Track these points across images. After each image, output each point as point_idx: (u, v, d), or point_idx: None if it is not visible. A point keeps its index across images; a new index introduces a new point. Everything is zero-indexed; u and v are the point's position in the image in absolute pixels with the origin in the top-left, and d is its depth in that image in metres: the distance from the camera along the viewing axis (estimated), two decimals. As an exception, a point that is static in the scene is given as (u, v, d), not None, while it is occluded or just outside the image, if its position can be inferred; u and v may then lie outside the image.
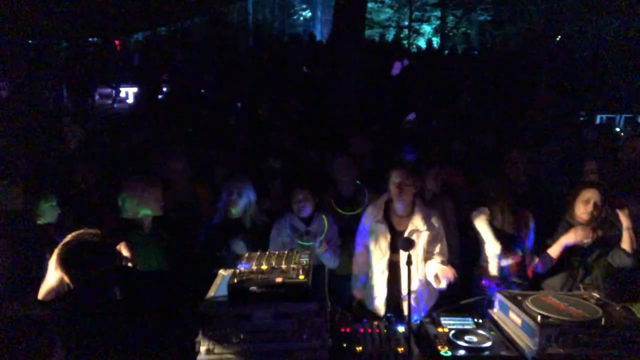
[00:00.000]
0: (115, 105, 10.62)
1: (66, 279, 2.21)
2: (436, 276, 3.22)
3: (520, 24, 16.70)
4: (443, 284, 3.19)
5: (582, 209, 3.51)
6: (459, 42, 15.49)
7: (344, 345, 2.39)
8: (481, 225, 3.67)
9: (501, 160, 4.54)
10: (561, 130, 6.66)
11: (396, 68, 10.29)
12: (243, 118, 7.36)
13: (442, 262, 3.33)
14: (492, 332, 2.52)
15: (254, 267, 2.41)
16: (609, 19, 12.80)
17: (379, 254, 3.43)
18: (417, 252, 3.35)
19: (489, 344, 2.40)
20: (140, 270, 3.11)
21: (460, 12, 19.23)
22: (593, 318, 2.35)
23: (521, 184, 4.20)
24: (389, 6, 20.03)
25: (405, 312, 3.30)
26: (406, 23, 19.48)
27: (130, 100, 10.74)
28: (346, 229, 3.87)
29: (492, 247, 3.61)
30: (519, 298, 2.59)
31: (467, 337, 2.45)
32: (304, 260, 2.51)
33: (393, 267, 3.38)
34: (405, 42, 17.07)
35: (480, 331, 2.52)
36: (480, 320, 2.66)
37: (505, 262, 3.63)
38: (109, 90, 10.98)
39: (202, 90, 9.56)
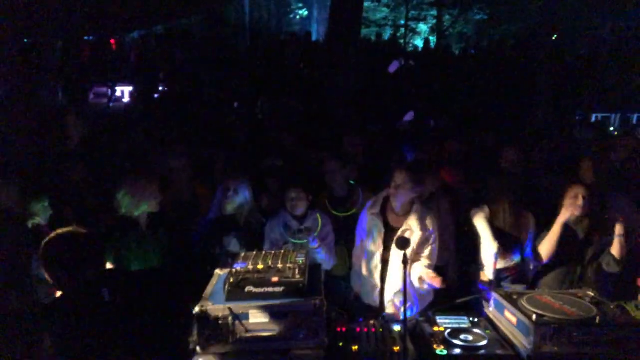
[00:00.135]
0: (111, 104, 10.58)
1: (49, 281, 2.19)
2: (420, 278, 3.26)
3: (516, 23, 16.73)
4: (425, 287, 3.24)
5: (572, 205, 3.53)
6: (455, 42, 15.52)
7: (340, 344, 2.40)
8: (480, 223, 3.68)
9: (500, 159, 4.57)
10: (556, 129, 6.69)
11: (393, 66, 10.30)
12: (240, 117, 7.35)
13: (429, 266, 3.35)
14: (487, 331, 2.53)
15: (251, 267, 2.42)
16: (606, 18, 12.84)
17: (372, 247, 3.46)
18: (410, 252, 3.36)
19: (484, 342, 2.41)
20: (132, 270, 3.12)
21: (457, 11, 19.26)
22: (588, 317, 2.36)
23: (517, 180, 4.20)
24: (385, 5, 20.02)
25: (392, 310, 3.36)
26: (402, 22, 19.49)
27: (126, 99, 10.70)
28: (341, 230, 3.88)
29: (489, 247, 3.61)
30: (515, 297, 2.60)
31: (462, 336, 2.46)
32: (300, 259, 2.52)
33: (385, 263, 3.42)
34: (401, 41, 17.07)
35: (475, 330, 2.53)
36: (476, 319, 2.67)
37: (502, 265, 3.64)
38: (104, 89, 10.94)
39: (200, 89, 9.54)
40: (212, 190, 4.08)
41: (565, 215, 3.50)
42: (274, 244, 3.57)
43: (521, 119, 8.02)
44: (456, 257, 4.03)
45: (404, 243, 2.47)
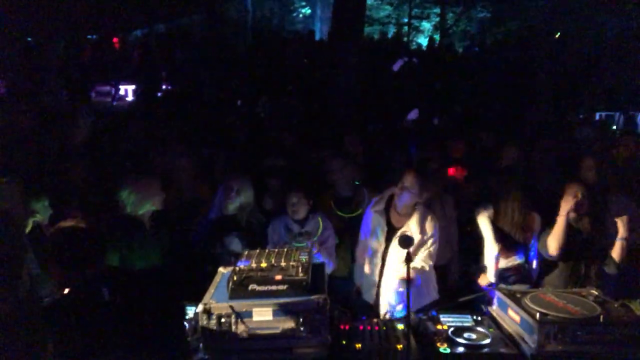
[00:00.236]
0: (114, 103, 10.60)
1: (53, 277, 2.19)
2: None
3: (519, 21, 16.67)
4: (401, 287, 3.27)
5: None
6: (458, 40, 15.48)
7: (343, 342, 2.40)
8: (483, 224, 3.67)
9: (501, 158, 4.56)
10: (557, 128, 6.67)
11: (397, 65, 10.28)
12: (241, 116, 7.35)
13: (422, 268, 3.35)
14: (491, 330, 2.53)
15: (254, 265, 2.42)
16: (609, 17, 12.78)
17: (375, 245, 3.50)
18: (402, 254, 3.38)
19: (487, 341, 2.41)
20: (133, 269, 3.12)
21: (460, 9, 19.20)
22: (591, 315, 2.36)
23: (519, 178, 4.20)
24: (388, 3, 19.98)
25: (386, 308, 3.37)
26: (405, 20, 19.44)
27: (130, 98, 10.72)
28: (346, 230, 3.88)
29: (490, 249, 3.61)
30: (518, 295, 2.60)
31: (466, 335, 2.46)
32: (304, 257, 2.52)
33: (385, 261, 3.45)
34: (404, 39, 17.03)
35: (479, 328, 2.52)
36: (480, 318, 2.66)
37: (504, 264, 3.63)
38: (107, 88, 10.96)
39: (201, 88, 9.54)
40: (213, 190, 4.09)
41: (565, 209, 3.49)
42: (275, 245, 3.58)
43: (523, 118, 7.99)
44: (459, 256, 4.03)
45: (406, 241, 2.47)
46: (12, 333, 1.95)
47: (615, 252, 3.51)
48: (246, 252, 2.65)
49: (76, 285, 2.16)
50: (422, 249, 3.42)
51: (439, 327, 2.55)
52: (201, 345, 2.25)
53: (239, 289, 2.28)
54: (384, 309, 3.44)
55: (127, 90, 10.94)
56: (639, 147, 5.08)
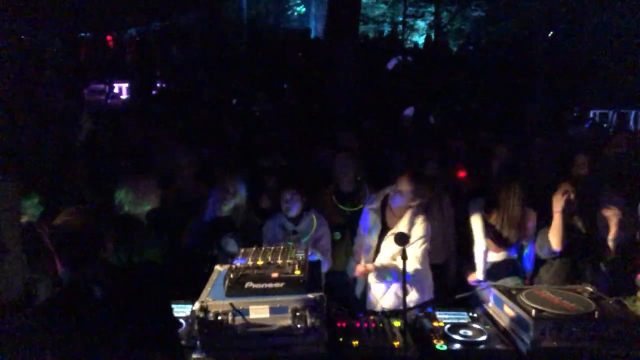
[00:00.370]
0: (109, 101, 10.55)
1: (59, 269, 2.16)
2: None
3: (514, 19, 16.72)
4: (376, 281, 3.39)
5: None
6: (453, 38, 15.50)
7: (341, 339, 2.40)
8: (475, 219, 3.69)
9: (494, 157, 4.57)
10: (552, 126, 6.71)
11: (392, 63, 10.31)
12: (237, 115, 7.34)
13: (415, 270, 3.36)
14: (487, 326, 2.54)
15: (250, 263, 2.41)
16: (604, 15, 12.84)
17: (370, 242, 3.53)
18: (394, 252, 3.43)
19: (484, 337, 2.42)
20: (131, 267, 3.09)
21: (455, 8, 19.23)
22: (587, 312, 2.37)
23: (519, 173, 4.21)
24: (383, 2, 20.00)
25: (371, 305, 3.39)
26: (400, 19, 19.45)
27: (124, 96, 10.67)
28: (347, 225, 3.89)
29: (479, 244, 3.63)
30: (514, 292, 2.62)
31: (462, 331, 2.47)
32: (300, 255, 2.52)
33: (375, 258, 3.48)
34: (399, 37, 17.05)
35: (475, 325, 2.54)
36: (476, 314, 2.67)
37: (495, 258, 3.65)
38: (101, 85, 10.90)
39: (196, 86, 9.52)
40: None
41: (558, 205, 3.51)
42: (269, 244, 3.58)
43: (518, 116, 8.02)
44: (457, 256, 4.04)
45: (402, 239, 2.48)
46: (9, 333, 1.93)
47: (608, 250, 3.54)
48: (242, 250, 2.65)
49: (68, 283, 2.14)
50: (410, 250, 3.43)
51: (436, 324, 2.56)
52: (198, 343, 2.25)
53: (236, 286, 2.27)
54: (372, 304, 3.47)
55: (122, 88, 10.89)
56: (631, 144, 5.12)
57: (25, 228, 3.28)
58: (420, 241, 3.39)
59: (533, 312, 2.34)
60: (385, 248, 3.47)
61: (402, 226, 3.40)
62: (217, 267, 2.68)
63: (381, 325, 2.54)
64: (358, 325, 2.54)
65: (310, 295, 2.25)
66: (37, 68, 8.60)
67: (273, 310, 2.24)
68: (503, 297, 2.59)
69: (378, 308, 3.43)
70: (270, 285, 2.27)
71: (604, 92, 10.25)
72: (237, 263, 2.42)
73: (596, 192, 3.94)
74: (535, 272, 3.73)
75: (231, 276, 2.31)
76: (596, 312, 2.36)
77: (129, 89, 10.42)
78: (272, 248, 2.65)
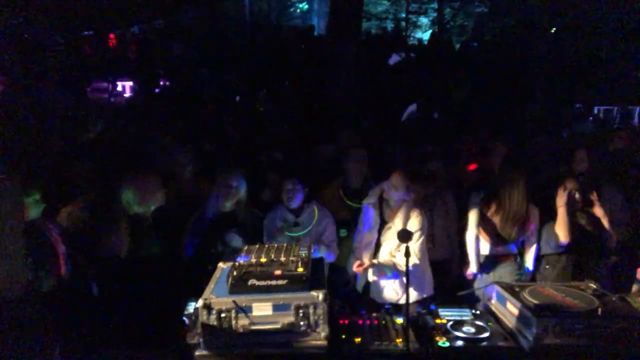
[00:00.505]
0: (112, 99, 10.56)
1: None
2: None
3: (517, 15, 16.65)
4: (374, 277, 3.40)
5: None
6: (457, 34, 15.46)
7: (343, 336, 2.41)
8: (472, 211, 3.71)
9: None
10: (555, 123, 6.69)
11: (393, 59, 10.29)
12: (241, 111, 7.35)
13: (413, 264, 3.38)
14: (489, 323, 2.54)
15: (253, 260, 2.42)
16: (607, 11, 12.76)
17: (369, 237, 3.54)
18: (389, 247, 3.44)
19: (486, 334, 2.42)
20: (135, 264, 3.10)
21: (458, 4, 19.17)
22: (590, 308, 2.37)
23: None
24: (385, -2, 19.96)
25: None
26: (403, 15, 19.40)
27: (127, 94, 10.69)
28: (353, 221, 3.90)
29: (470, 232, 3.68)
30: (517, 289, 2.61)
31: (464, 328, 2.47)
32: (303, 252, 2.53)
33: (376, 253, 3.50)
34: (402, 34, 17.01)
35: (478, 322, 2.54)
36: (478, 311, 2.68)
37: (495, 252, 3.65)
38: (104, 84, 10.92)
39: (199, 84, 9.53)
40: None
41: (561, 200, 3.51)
42: (270, 237, 3.60)
43: (521, 112, 8.00)
44: (460, 251, 4.04)
45: (405, 235, 2.48)
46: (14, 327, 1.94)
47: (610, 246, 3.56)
48: (246, 248, 2.66)
49: (66, 279, 2.15)
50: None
51: (438, 321, 2.56)
52: (201, 340, 2.26)
53: (239, 284, 2.28)
54: (378, 296, 3.49)
55: (125, 87, 10.91)
56: (634, 140, 5.09)
57: (29, 225, 3.30)
58: (417, 235, 3.40)
59: (536, 309, 2.34)
60: (385, 243, 3.48)
61: (397, 220, 3.41)
62: (221, 265, 2.69)
63: (383, 322, 2.55)
64: (360, 322, 2.54)
65: (313, 293, 2.25)
66: (39, 66, 8.61)
67: (276, 308, 2.25)
68: (506, 294, 2.59)
69: (380, 300, 3.46)
70: (273, 282, 2.28)
71: (608, 88, 10.21)
72: (241, 260, 2.43)
73: (596, 188, 3.92)
74: (538, 268, 3.73)
75: (234, 273, 2.31)
76: (599, 309, 2.36)
77: (132, 88, 10.44)
78: (276, 245, 2.66)
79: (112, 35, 12.13)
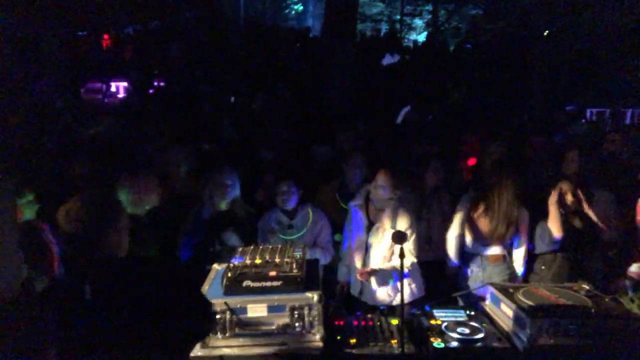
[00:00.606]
0: (106, 100, 10.53)
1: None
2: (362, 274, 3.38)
3: (511, 17, 16.73)
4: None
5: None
6: (451, 36, 15.52)
7: (338, 337, 2.41)
8: (459, 209, 3.73)
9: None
10: (548, 124, 6.73)
11: (386, 60, 10.32)
12: (237, 111, 7.34)
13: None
14: (484, 324, 2.54)
15: (248, 261, 2.42)
16: (602, 13, 12.84)
17: (359, 240, 3.53)
18: (381, 248, 3.43)
19: (481, 335, 2.43)
20: (130, 264, 3.08)
21: (452, 6, 19.25)
22: (583, 309, 2.38)
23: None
24: (380, 0, 20.01)
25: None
26: (398, 17, 19.47)
27: (121, 94, 10.66)
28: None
29: (452, 229, 3.70)
30: (511, 290, 2.62)
31: (459, 329, 2.47)
32: (298, 254, 2.52)
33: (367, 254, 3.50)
34: (397, 36, 17.06)
35: (472, 323, 2.54)
36: (473, 312, 2.68)
37: (484, 252, 3.66)
38: (98, 84, 10.88)
39: (194, 84, 9.51)
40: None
41: (552, 199, 3.53)
42: (264, 238, 3.59)
43: (515, 113, 8.04)
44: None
45: (400, 237, 2.48)
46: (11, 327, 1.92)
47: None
48: (240, 249, 2.65)
49: (59, 280, 2.12)
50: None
51: (433, 322, 2.56)
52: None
53: (234, 285, 2.27)
54: (371, 298, 3.49)
55: (119, 87, 10.88)
56: (626, 143, 5.13)
57: (23, 226, 3.29)
58: (408, 233, 3.41)
59: (530, 310, 2.35)
60: (375, 245, 3.48)
61: (386, 220, 3.41)
62: (215, 266, 2.68)
63: (378, 323, 2.54)
64: (355, 323, 2.54)
65: (308, 294, 2.25)
66: (34, 66, 8.57)
67: (271, 309, 2.24)
68: (500, 295, 2.60)
69: (372, 303, 3.45)
70: (268, 283, 2.27)
71: (601, 90, 10.28)
72: (235, 262, 2.43)
73: (587, 189, 3.94)
74: (531, 269, 3.75)
75: (229, 275, 2.31)
76: (593, 310, 2.37)
77: (126, 88, 10.42)
78: (270, 247, 2.65)
79: (106, 36, 12.10)
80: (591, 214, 3.61)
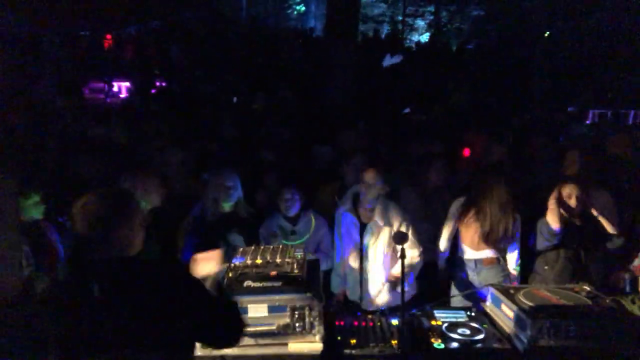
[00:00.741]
0: (108, 100, 10.54)
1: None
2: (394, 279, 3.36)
3: (513, 19, 16.74)
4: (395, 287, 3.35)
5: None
6: (453, 37, 15.53)
7: (339, 338, 2.41)
8: (450, 218, 3.72)
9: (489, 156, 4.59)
10: (550, 126, 6.72)
11: (387, 61, 10.31)
12: (238, 112, 7.35)
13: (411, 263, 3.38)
14: (484, 325, 2.55)
15: (249, 262, 2.42)
16: (603, 15, 12.85)
17: (350, 242, 3.51)
18: (379, 247, 3.43)
19: (481, 336, 2.43)
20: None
21: (454, 7, 19.26)
22: (584, 311, 2.38)
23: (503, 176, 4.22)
24: (382, 1, 20.02)
25: (384, 299, 3.38)
26: (400, 18, 19.47)
27: (123, 94, 10.67)
28: None
29: (442, 240, 3.69)
30: (511, 291, 2.62)
31: (460, 330, 2.48)
32: (299, 254, 2.53)
33: (363, 257, 3.49)
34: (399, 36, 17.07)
35: (473, 324, 2.54)
36: (474, 313, 2.68)
37: (477, 255, 3.65)
38: (100, 84, 10.90)
39: (196, 85, 9.52)
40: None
41: (552, 198, 3.52)
42: (267, 244, 3.57)
43: (515, 114, 8.04)
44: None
45: (401, 237, 2.48)
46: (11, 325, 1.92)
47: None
48: (241, 249, 2.66)
49: (66, 279, 2.12)
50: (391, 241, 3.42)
51: (433, 322, 2.57)
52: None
53: (235, 285, 2.28)
54: (370, 304, 3.47)
55: (121, 87, 10.89)
56: (629, 145, 5.10)
57: (29, 225, 3.30)
58: (404, 225, 3.41)
59: (530, 311, 2.35)
60: (372, 245, 3.45)
61: (377, 216, 3.41)
62: (216, 266, 2.68)
63: (379, 323, 2.55)
64: (356, 323, 2.54)
65: (309, 294, 2.26)
66: (35, 65, 8.59)
67: (272, 309, 2.25)
68: (501, 296, 2.60)
69: (373, 307, 3.44)
70: (269, 283, 2.28)
71: (603, 92, 10.26)
72: (236, 262, 2.43)
73: (587, 190, 3.93)
74: (529, 269, 3.74)
75: (230, 275, 2.31)
76: (593, 311, 2.37)
77: (129, 88, 10.43)
78: (271, 247, 2.66)
79: (108, 36, 12.12)
80: (602, 219, 3.58)
